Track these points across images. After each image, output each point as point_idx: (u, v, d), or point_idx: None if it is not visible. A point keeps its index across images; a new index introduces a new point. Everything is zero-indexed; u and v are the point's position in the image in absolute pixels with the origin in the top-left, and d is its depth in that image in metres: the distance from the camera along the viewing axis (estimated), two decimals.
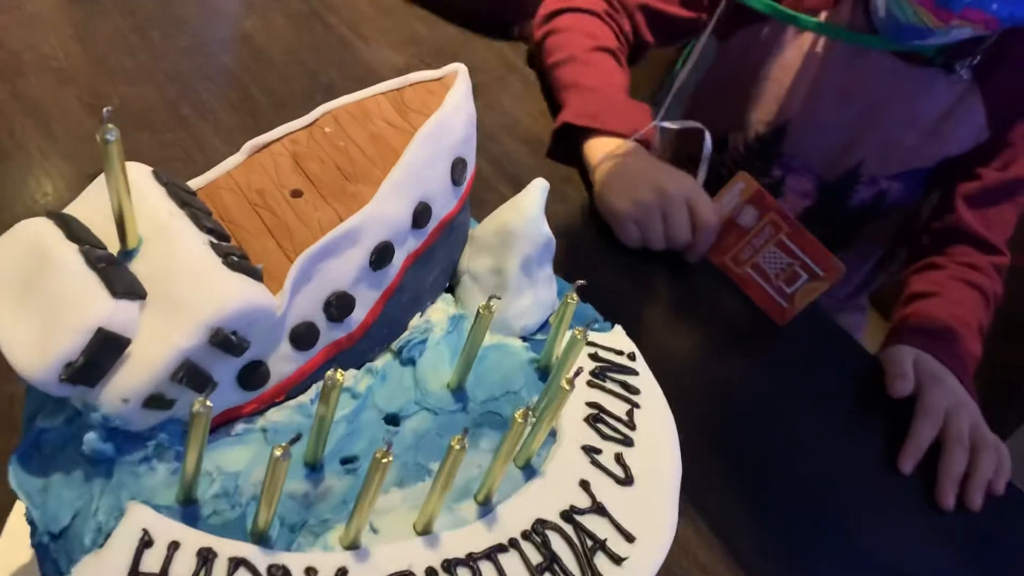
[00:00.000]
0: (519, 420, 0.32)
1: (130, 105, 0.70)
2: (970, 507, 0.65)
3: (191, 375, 0.31)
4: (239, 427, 0.34)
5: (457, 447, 0.30)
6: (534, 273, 0.42)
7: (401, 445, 0.36)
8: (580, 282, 0.39)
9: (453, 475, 0.32)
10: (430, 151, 0.37)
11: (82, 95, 0.70)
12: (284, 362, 0.34)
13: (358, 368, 0.38)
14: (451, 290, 0.43)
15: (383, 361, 0.39)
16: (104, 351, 0.30)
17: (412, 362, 0.39)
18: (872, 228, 0.93)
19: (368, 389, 0.37)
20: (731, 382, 0.69)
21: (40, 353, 0.29)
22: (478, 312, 0.36)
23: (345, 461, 0.35)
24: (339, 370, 0.31)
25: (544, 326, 0.43)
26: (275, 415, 0.35)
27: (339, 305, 0.35)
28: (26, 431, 0.33)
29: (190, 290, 0.31)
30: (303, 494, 0.34)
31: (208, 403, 0.28)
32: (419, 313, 0.40)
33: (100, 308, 0.29)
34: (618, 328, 0.45)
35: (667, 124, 0.81)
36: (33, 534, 0.32)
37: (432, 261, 0.40)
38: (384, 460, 0.29)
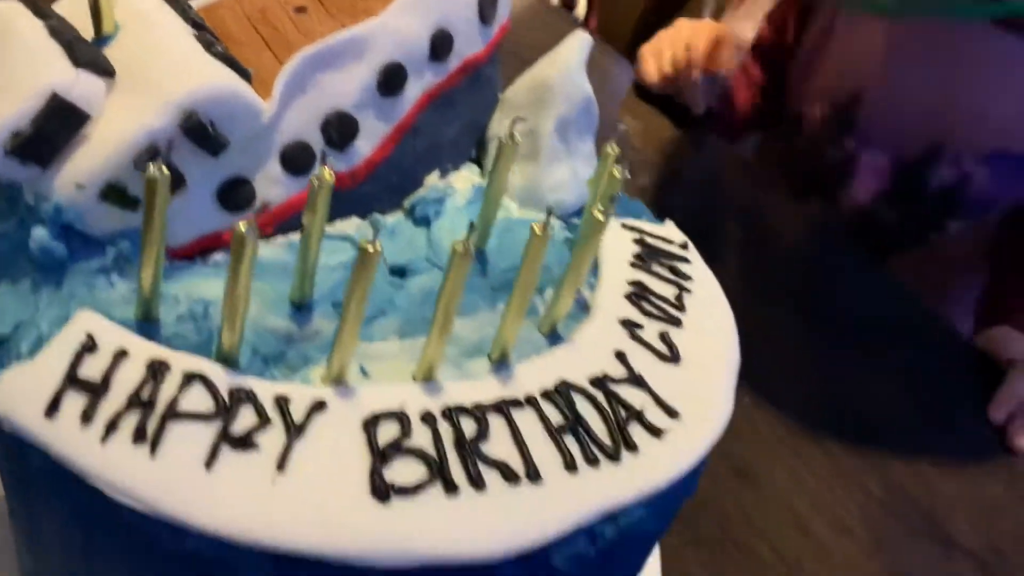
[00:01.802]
0: (538, 233, 0.27)
1: None
2: None
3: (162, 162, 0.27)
4: (218, 256, 0.30)
5: (460, 251, 0.25)
6: (572, 142, 0.37)
7: (406, 299, 0.31)
8: (622, 126, 0.34)
9: (459, 292, 0.26)
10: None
11: None
12: (273, 185, 0.30)
13: (363, 219, 0.33)
14: (478, 162, 0.38)
15: (393, 218, 0.34)
16: (58, 122, 0.26)
17: (427, 222, 0.34)
18: (958, 228, 0.84)
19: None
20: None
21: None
22: (499, 143, 0.31)
23: (339, 305, 0.30)
24: (328, 169, 0.27)
25: (582, 212, 0.38)
26: (262, 250, 0.30)
27: (340, 128, 0.31)
28: None
29: (164, 71, 0.27)
30: (286, 331, 0.29)
31: (164, 170, 0.24)
32: (438, 171, 0.35)
33: (57, 73, 0.26)
34: (670, 223, 0.39)
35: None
36: None
37: (454, 109, 0.35)
38: (373, 251, 0.24)
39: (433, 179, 0.35)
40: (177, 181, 0.27)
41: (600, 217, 0.29)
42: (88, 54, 0.26)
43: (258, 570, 0.24)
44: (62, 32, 0.27)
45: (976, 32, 0.73)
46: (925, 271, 0.85)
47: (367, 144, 0.32)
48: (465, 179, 0.37)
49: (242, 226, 0.23)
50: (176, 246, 0.29)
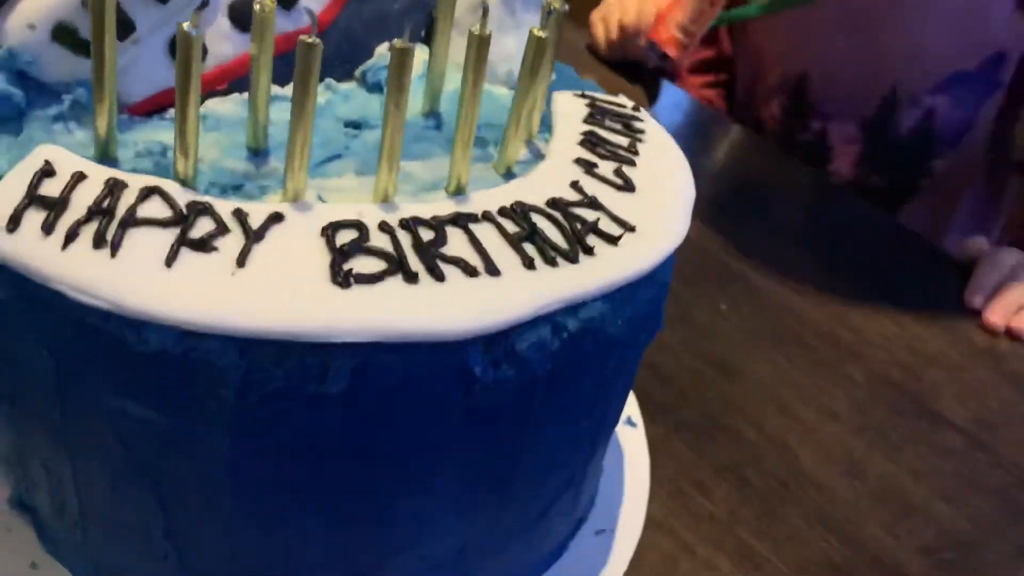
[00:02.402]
0: (474, 32, 0.28)
1: None
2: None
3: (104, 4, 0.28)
4: (173, 112, 0.31)
5: (400, 46, 0.26)
6: (518, 13, 0.38)
7: (362, 146, 0.32)
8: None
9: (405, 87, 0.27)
10: None
11: None
12: (222, 41, 0.31)
13: None
14: (427, 42, 0.39)
15: (346, 86, 0.35)
16: None
17: (380, 88, 0.35)
18: (945, 166, 0.85)
19: (328, 102, 0.33)
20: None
21: None
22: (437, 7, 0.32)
23: None
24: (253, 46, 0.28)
25: None
26: (217, 105, 0.31)
27: None
28: None
29: None
30: (243, 171, 0.29)
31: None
32: (387, 43, 0.36)
33: None
34: (621, 95, 0.40)
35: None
36: None
37: None
38: (311, 41, 0.25)
39: (383, 49, 0.36)
40: (127, 25, 0.28)
41: (541, 34, 0.30)
42: None
43: (223, 358, 0.24)
44: None
45: None
46: (932, 218, 0.86)
47: (314, 4, 0.33)
48: (416, 56, 0.38)
49: (185, 25, 0.24)
50: (131, 103, 0.30)
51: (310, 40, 0.25)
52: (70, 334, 0.25)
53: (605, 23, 0.85)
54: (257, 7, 0.27)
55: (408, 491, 0.29)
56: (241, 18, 0.31)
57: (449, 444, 0.28)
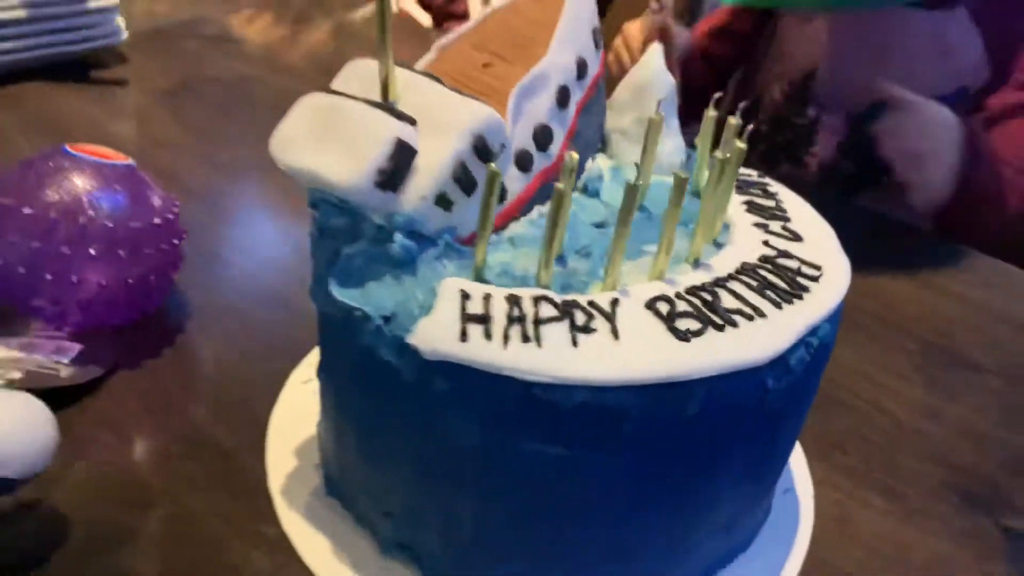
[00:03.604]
0: (682, 176, 0.41)
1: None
2: None
3: (464, 175, 0.39)
4: (492, 238, 0.42)
5: (680, 176, 0.39)
6: (669, 120, 0.51)
7: (608, 240, 0.44)
8: (717, 94, 0.48)
9: (677, 215, 0.40)
10: (576, 17, 0.47)
11: None
12: (514, 182, 0.43)
13: None
14: (603, 151, 0.52)
15: (578, 195, 0.47)
16: (403, 158, 0.38)
17: (597, 194, 0.48)
18: None
19: (572, 212, 0.46)
20: None
21: (356, 167, 0.37)
22: (650, 121, 0.45)
23: (581, 251, 0.43)
24: (571, 154, 0.40)
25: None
26: (516, 228, 0.43)
27: (543, 135, 0.44)
28: (320, 279, 0.41)
29: (451, 113, 0.40)
30: (560, 273, 0.41)
31: (496, 168, 0.37)
32: (589, 161, 0.49)
33: (394, 125, 0.38)
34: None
35: None
36: (357, 332, 0.39)
37: (592, 113, 0.49)
38: (565, 188, 0.37)
39: (589, 165, 0.49)
40: (474, 184, 0.40)
41: (723, 156, 0.43)
42: (399, 111, 0.39)
43: (626, 401, 0.36)
44: (373, 103, 0.39)
45: (894, 12, 0.92)
46: (887, 205, 1.03)
47: (557, 146, 0.45)
48: (601, 163, 0.50)
49: (559, 186, 0.36)
50: (465, 236, 0.42)
51: (561, 187, 0.37)
52: (504, 406, 0.37)
53: (619, 61, 1.00)
54: (568, 158, 0.39)
55: (717, 479, 0.41)
56: (522, 162, 0.43)
57: (746, 438, 0.41)
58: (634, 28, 1.04)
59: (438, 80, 0.42)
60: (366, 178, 0.37)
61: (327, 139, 0.39)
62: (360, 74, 0.42)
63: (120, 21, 0.90)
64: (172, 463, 0.49)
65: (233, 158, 0.79)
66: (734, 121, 0.45)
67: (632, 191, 0.37)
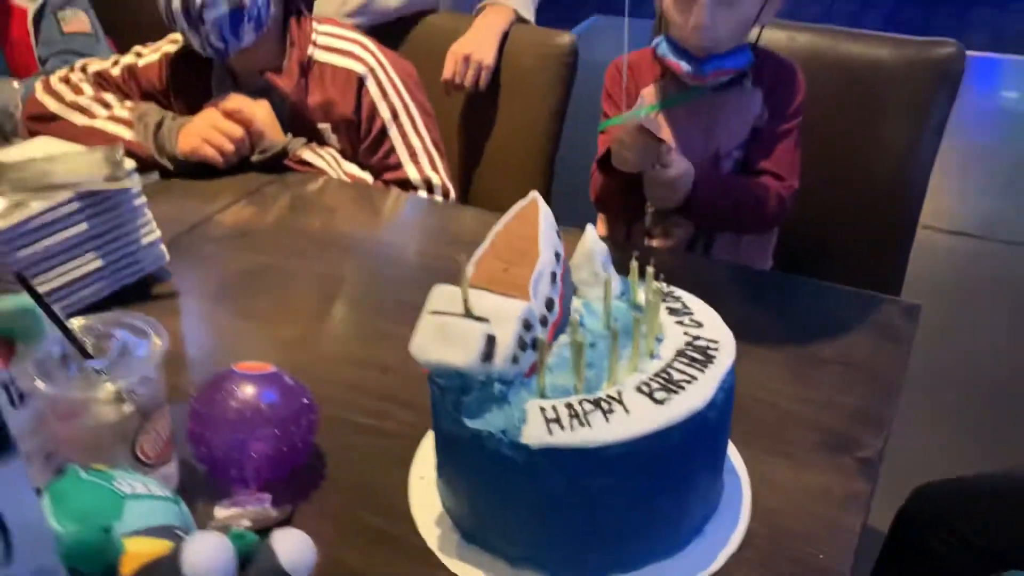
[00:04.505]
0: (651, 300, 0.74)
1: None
2: None
3: (521, 342, 0.71)
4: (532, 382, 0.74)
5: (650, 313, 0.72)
6: (609, 270, 0.84)
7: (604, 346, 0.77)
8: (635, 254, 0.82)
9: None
10: (547, 227, 0.80)
11: None
12: (540, 334, 0.75)
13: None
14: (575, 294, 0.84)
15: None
16: (490, 344, 0.70)
17: (582, 324, 0.80)
18: None
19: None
20: None
21: (469, 355, 0.69)
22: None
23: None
24: (577, 336, 0.72)
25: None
26: (548, 359, 0.75)
27: (549, 303, 0.76)
28: (446, 415, 0.72)
29: (506, 309, 0.72)
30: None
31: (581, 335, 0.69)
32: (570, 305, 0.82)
33: (481, 327, 0.70)
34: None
35: None
36: (483, 443, 0.70)
37: (567, 279, 0.82)
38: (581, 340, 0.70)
39: (573, 306, 0.81)
40: (526, 345, 0.72)
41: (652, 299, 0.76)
42: (479, 316, 0.71)
43: (634, 447, 0.68)
44: (469, 313, 0.71)
45: (709, 94, 1.30)
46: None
47: (556, 306, 0.77)
48: (577, 303, 0.83)
49: (577, 338, 0.69)
50: (526, 370, 0.73)
51: (580, 339, 0.70)
52: (578, 462, 0.68)
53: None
54: (575, 345, 0.72)
55: (695, 473, 0.74)
56: (544, 322, 0.75)
57: (704, 448, 0.73)
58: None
59: (489, 291, 0.74)
60: (476, 359, 0.69)
61: (445, 342, 0.70)
62: (445, 294, 0.73)
63: (164, 247, 1.17)
64: (365, 547, 0.79)
65: (300, 336, 1.08)
66: (650, 270, 0.79)
67: (616, 334, 0.70)
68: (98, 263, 1.09)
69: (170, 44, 1.60)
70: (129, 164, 1.11)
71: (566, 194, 1.90)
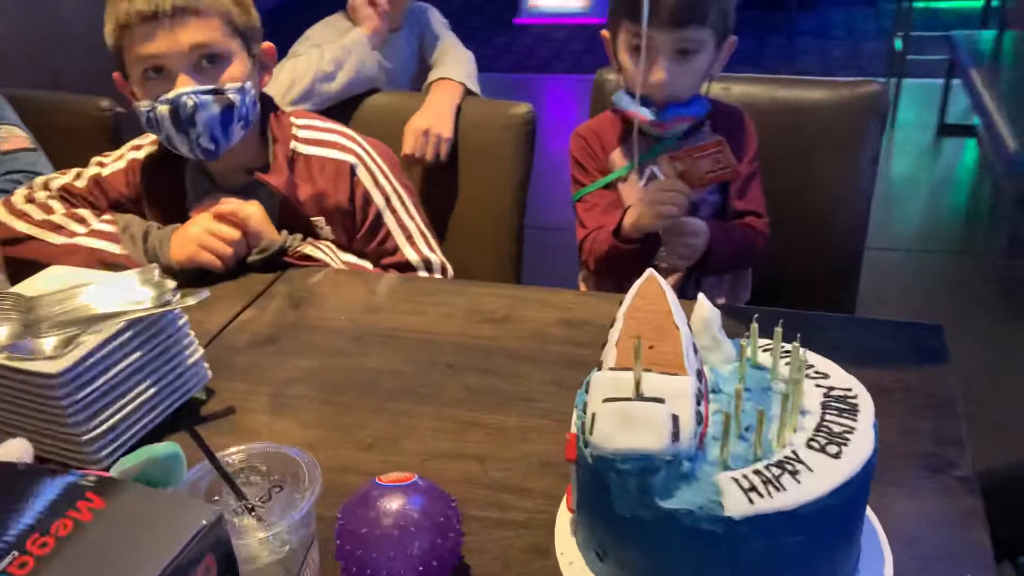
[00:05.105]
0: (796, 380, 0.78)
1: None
2: None
3: (699, 415, 0.73)
4: (708, 439, 0.76)
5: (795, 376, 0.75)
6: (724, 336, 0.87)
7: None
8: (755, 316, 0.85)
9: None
10: (675, 301, 0.82)
11: None
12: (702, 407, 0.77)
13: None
14: None
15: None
16: (676, 423, 0.71)
17: (719, 390, 0.83)
18: None
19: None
20: None
21: (660, 438, 0.70)
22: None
23: (746, 429, 0.78)
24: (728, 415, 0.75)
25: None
26: (711, 431, 0.77)
27: (699, 375, 0.79)
28: (629, 498, 0.72)
29: (679, 387, 0.73)
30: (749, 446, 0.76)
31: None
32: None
33: (665, 408, 0.71)
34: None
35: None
36: (680, 520, 0.71)
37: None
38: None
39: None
40: (702, 419, 0.74)
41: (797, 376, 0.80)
42: (657, 398, 0.72)
43: (826, 501, 0.71)
44: (647, 396, 0.72)
45: (674, 145, 1.39)
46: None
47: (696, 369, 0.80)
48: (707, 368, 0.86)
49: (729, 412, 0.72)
50: (698, 443, 0.75)
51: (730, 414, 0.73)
52: (776, 524, 0.71)
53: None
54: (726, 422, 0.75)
55: (861, 514, 0.78)
56: (698, 397, 0.77)
57: (864, 487, 0.77)
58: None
59: (651, 370, 0.76)
60: (667, 440, 0.70)
61: (630, 427, 0.71)
62: (609, 380, 0.75)
63: (206, 364, 1.12)
64: None
65: (380, 438, 1.05)
66: (790, 339, 0.83)
67: (784, 398, 0.74)
68: (152, 391, 1.04)
69: (132, 151, 1.54)
70: (170, 284, 1.06)
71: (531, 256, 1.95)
